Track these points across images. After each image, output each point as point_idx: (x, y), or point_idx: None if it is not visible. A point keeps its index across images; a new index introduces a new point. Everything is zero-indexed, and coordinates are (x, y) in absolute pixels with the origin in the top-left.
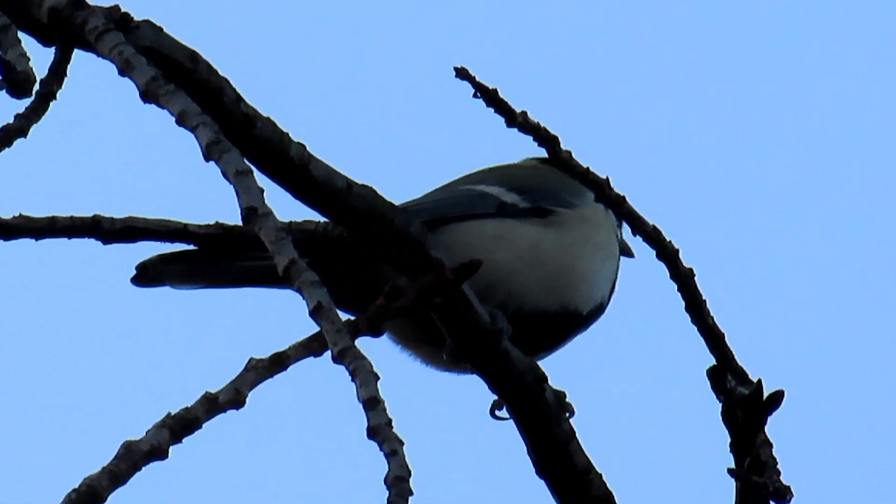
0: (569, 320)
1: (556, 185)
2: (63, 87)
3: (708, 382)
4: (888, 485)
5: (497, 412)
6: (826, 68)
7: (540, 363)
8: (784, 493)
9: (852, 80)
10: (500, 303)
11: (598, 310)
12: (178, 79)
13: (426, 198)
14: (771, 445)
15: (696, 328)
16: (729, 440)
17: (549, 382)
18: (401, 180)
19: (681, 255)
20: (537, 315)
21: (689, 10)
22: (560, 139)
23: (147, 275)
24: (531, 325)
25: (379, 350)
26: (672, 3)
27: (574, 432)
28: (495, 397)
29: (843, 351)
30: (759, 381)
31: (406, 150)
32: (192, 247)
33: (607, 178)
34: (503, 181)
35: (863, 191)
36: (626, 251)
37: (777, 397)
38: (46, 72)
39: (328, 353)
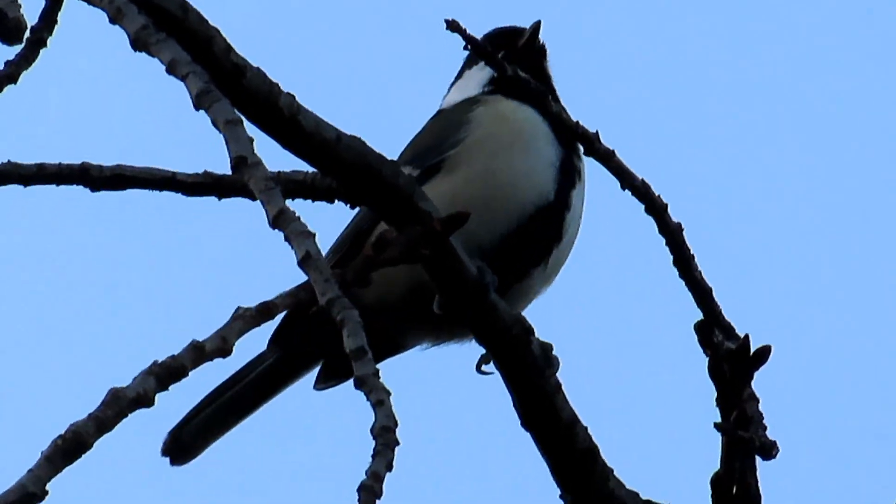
0: (539, 218)
1: (439, 134)
2: (54, 34)
3: (695, 337)
4: (872, 440)
5: (483, 367)
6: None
7: (527, 316)
8: (770, 449)
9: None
10: None
11: (566, 174)
12: (168, 28)
13: None
14: (757, 400)
15: (683, 283)
16: (715, 395)
17: (536, 335)
18: (390, 133)
19: (669, 210)
20: (504, 241)
21: None
22: (550, 93)
23: (177, 453)
24: (515, 246)
25: None
26: None
27: (560, 385)
28: (482, 352)
29: (830, 309)
30: (746, 336)
31: (396, 102)
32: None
33: (597, 132)
34: (402, 159)
35: (851, 145)
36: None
37: (764, 353)
38: (37, 19)
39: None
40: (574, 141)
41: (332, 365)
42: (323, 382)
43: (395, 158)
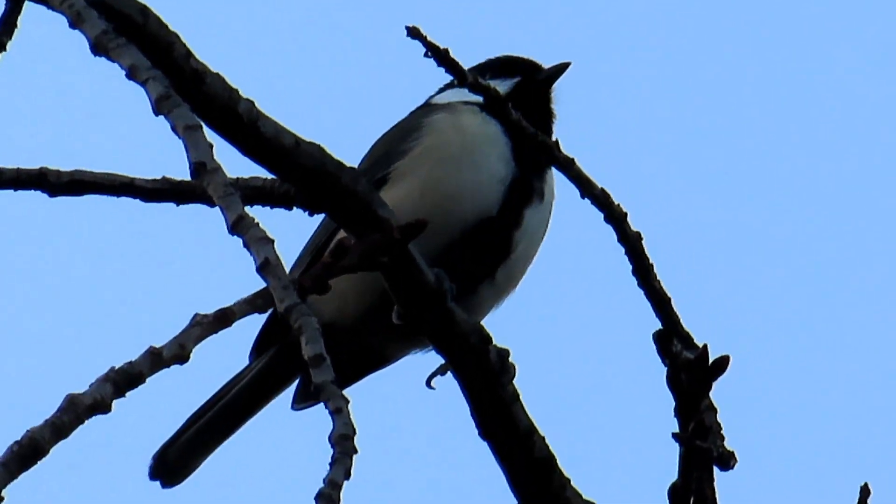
0: (489, 228)
1: (390, 144)
2: (13, 38)
3: (654, 346)
4: (831, 450)
5: (432, 382)
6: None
7: (485, 324)
8: (728, 459)
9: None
10: None
11: (518, 192)
12: (128, 33)
13: None
14: (715, 411)
15: (642, 292)
16: (674, 405)
17: (494, 343)
18: (351, 139)
19: (629, 219)
20: (444, 253)
21: None
22: (509, 101)
23: (165, 475)
24: (458, 258)
25: None
26: None
27: (518, 394)
28: (437, 365)
29: (789, 318)
30: (705, 346)
31: (356, 109)
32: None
33: (556, 141)
34: (360, 168)
35: (810, 152)
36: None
37: (722, 363)
38: None
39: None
40: (539, 158)
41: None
42: (301, 402)
43: (357, 165)
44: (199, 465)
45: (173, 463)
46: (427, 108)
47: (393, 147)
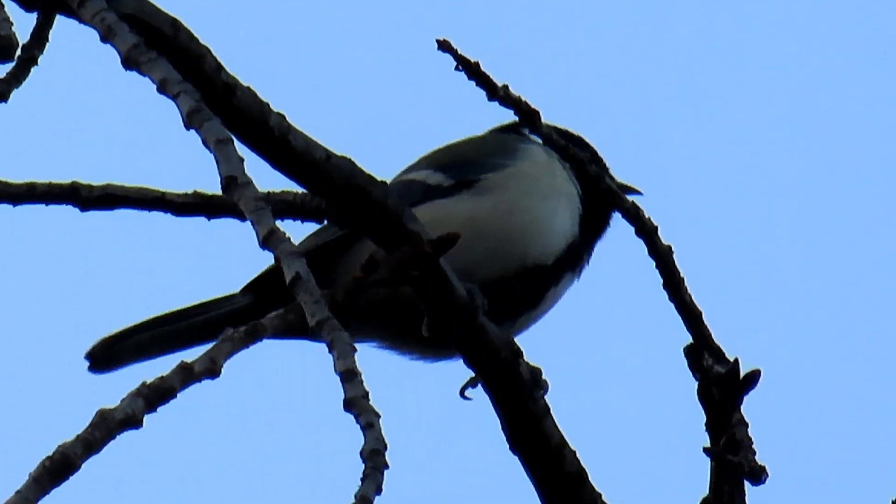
0: (535, 275)
1: (484, 151)
2: (45, 52)
3: (684, 360)
4: (863, 465)
5: (465, 393)
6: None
7: (516, 339)
8: (759, 473)
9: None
10: None
11: (571, 255)
12: (159, 46)
13: None
14: (746, 425)
15: (673, 306)
16: (704, 419)
17: (525, 358)
18: (382, 153)
19: (659, 232)
20: (497, 281)
21: None
22: (541, 113)
23: (100, 359)
24: (498, 290)
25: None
26: None
27: (549, 408)
28: (468, 376)
29: (821, 333)
30: (736, 359)
31: (387, 122)
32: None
33: (588, 156)
34: (430, 163)
35: (838, 169)
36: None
37: (753, 377)
38: (28, 37)
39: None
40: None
41: None
42: None
43: (412, 164)
44: (137, 363)
45: (117, 355)
46: (519, 137)
47: (486, 157)
